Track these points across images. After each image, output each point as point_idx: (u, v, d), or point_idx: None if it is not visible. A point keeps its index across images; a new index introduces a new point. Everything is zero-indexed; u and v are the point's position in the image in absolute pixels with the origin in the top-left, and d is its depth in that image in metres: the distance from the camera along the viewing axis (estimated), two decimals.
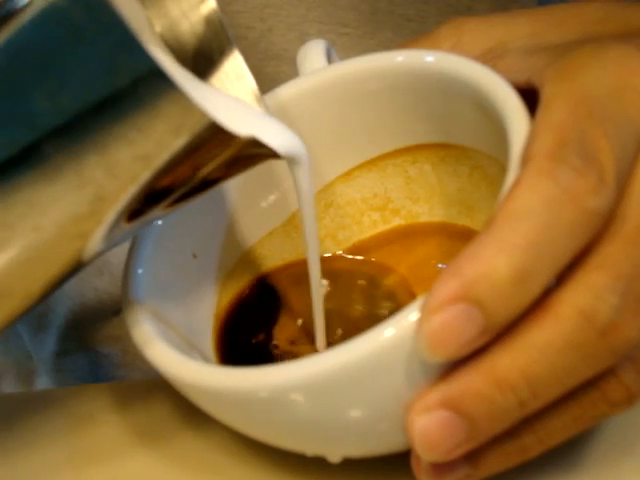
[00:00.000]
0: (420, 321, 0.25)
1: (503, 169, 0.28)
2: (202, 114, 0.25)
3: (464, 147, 0.34)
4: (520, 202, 0.26)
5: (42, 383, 0.51)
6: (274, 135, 0.30)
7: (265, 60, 0.45)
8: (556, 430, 0.28)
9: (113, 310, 0.48)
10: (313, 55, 0.35)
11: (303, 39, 0.44)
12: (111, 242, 0.28)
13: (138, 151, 0.25)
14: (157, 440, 0.34)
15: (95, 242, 0.27)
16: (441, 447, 0.26)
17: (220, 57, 0.32)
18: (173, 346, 0.29)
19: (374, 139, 0.35)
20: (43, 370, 0.51)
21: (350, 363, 0.26)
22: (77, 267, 0.28)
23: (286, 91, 0.35)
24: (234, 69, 0.32)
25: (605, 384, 0.27)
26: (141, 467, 0.34)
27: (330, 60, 0.36)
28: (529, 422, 0.27)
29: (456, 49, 0.33)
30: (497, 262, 0.25)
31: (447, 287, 0.25)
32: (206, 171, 0.27)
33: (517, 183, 0.26)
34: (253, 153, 0.29)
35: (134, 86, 0.24)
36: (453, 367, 0.26)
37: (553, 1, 0.36)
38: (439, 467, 0.27)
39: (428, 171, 0.35)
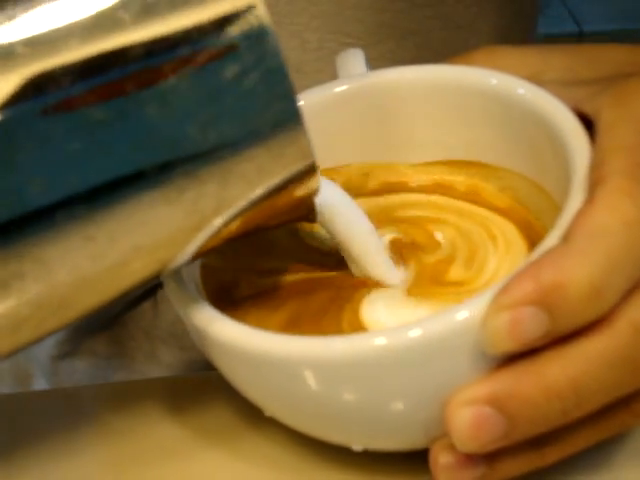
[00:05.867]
0: (489, 312, 0.26)
1: (538, 191, 0.29)
2: (311, 156, 0.26)
3: (494, 166, 0.34)
4: (599, 219, 0.26)
5: (39, 386, 0.50)
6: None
7: None
8: (578, 439, 0.28)
9: (113, 314, 0.48)
10: (353, 61, 0.36)
11: (304, 47, 0.44)
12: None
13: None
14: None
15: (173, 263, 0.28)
16: (477, 440, 0.26)
17: None
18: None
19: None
20: (40, 373, 0.50)
21: (408, 344, 0.26)
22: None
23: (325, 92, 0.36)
24: None
25: (631, 397, 0.28)
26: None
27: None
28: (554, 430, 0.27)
29: None
30: (576, 275, 0.25)
31: (524, 288, 0.25)
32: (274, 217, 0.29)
33: (593, 201, 0.27)
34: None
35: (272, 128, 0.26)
36: (503, 364, 0.27)
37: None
38: (456, 464, 0.28)
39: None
